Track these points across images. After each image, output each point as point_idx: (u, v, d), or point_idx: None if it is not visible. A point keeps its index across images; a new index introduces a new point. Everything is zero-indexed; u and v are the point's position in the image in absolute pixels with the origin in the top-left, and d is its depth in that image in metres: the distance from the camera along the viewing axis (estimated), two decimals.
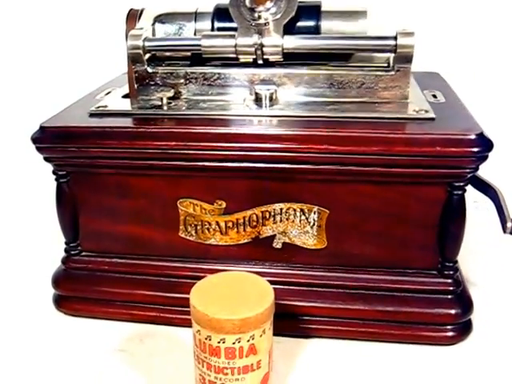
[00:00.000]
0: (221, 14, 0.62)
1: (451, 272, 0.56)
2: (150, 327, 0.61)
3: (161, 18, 0.63)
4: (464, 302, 0.57)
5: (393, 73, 0.57)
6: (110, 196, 0.59)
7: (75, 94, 0.69)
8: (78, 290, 0.62)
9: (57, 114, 0.60)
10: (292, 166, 0.53)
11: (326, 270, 0.58)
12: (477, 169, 0.51)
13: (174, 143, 0.54)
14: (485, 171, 0.57)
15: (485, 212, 0.74)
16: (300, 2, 0.61)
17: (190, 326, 0.50)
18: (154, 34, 0.63)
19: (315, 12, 0.60)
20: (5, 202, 0.87)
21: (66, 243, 0.63)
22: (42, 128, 0.57)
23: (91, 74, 0.85)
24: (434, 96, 0.61)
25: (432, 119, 0.54)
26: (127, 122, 0.57)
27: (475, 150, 0.49)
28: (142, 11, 0.64)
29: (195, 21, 0.63)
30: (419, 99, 0.59)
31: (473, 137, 0.50)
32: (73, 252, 0.63)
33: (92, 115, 0.59)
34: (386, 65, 0.59)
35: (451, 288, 0.56)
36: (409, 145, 0.50)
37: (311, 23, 0.60)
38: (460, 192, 0.53)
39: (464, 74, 0.87)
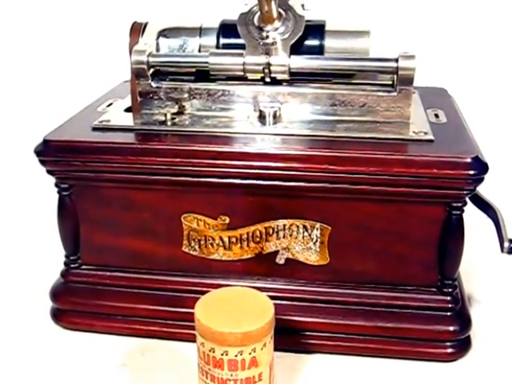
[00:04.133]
0: (226, 30, 0.72)
1: (450, 289, 0.66)
2: (151, 341, 0.71)
3: (165, 33, 0.73)
4: (463, 319, 0.67)
5: (394, 94, 0.68)
6: (113, 209, 0.69)
7: (76, 100, 0.79)
8: (78, 304, 0.72)
9: (59, 127, 0.70)
10: (294, 183, 0.64)
11: (327, 286, 0.68)
12: (474, 190, 0.62)
13: (177, 160, 0.64)
14: (490, 188, 0.67)
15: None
16: (306, 21, 0.71)
17: (192, 341, 0.60)
18: (157, 49, 0.73)
19: (319, 31, 0.71)
20: (4, 214, 0.97)
21: (65, 256, 0.73)
22: (45, 141, 0.67)
23: (92, 81, 0.96)
24: (436, 115, 0.72)
25: (431, 141, 0.64)
26: (131, 138, 0.67)
27: (471, 172, 0.60)
28: (145, 25, 0.75)
29: (200, 36, 0.73)
30: (420, 120, 0.69)
31: (468, 160, 0.60)
32: (73, 265, 0.73)
33: (95, 129, 0.69)
34: (390, 82, 0.70)
35: (450, 305, 0.66)
36: (406, 166, 0.61)
37: (315, 42, 0.71)
38: (458, 212, 0.63)
39: (471, 90, 0.98)
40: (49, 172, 0.68)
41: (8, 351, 0.69)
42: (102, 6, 1.09)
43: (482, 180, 0.61)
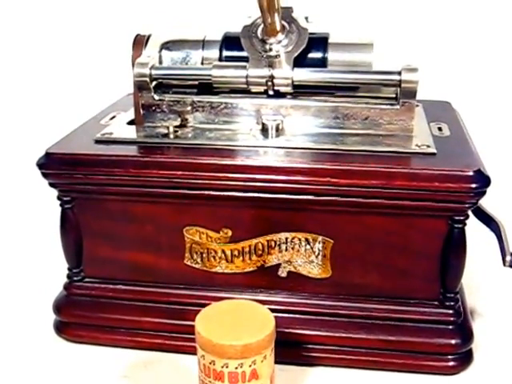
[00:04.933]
0: (229, 42, 0.73)
1: (452, 303, 0.67)
2: (154, 354, 0.71)
3: (168, 46, 0.74)
4: (465, 333, 0.67)
5: (397, 107, 0.68)
6: (116, 222, 0.70)
7: (80, 112, 0.80)
8: (81, 317, 0.73)
9: (62, 140, 0.71)
10: (296, 196, 0.64)
11: (330, 299, 0.69)
12: (476, 203, 0.62)
13: (179, 173, 0.65)
14: (493, 200, 0.67)
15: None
16: (309, 33, 0.72)
17: (195, 353, 0.60)
18: (160, 61, 0.74)
19: (323, 44, 0.71)
20: (7, 226, 0.98)
21: (68, 269, 0.73)
22: (47, 154, 0.67)
23: (96, 93, 0.96)
24: (440, 129, 0.72)
25: (433, 154, 0.65)
26: (133, 151, 0.67)
27: (473, 186, 0.60)
28: (148, 37, 0.75)
29: (203, 49, 0.74)
30: (423, 133, 0.70)
31: (470, 173, 0.61)
32: (75, 278, 0.73)
33: (98, 142, 0.70)
34: (393, 95, 0.70)
35: (452, 318, 0.67)
36: (408, 179, 0.61)
37: (319, 55, 0.71)
38: (460, 225, 0.63)
39: (476, 103, 0.98)
40: (51, 185, 0.69)
41: (11, 363, 0.70)
42: (106, 19, 1.10)
43: (484, 193, 0.61)
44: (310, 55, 0.71)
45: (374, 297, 0.68)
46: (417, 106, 0.77)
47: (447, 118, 0.77)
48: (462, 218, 0.63)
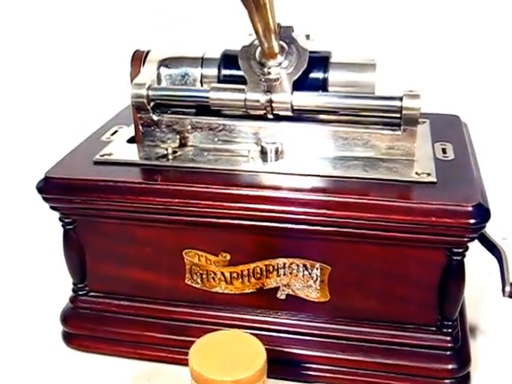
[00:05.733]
0: (228, 61, 0.70)
1: (450, 330, 0.65)
2: (158, 366, 0.71)
3: (166, 63, 0.71)
4: (462, 358, 0.65)
5: (399, 132, 0.65)
6: (116, 243, 0.69)
7: (84, 121, 0.78)
8: (86, 329, 0.72)
9: (61, 160, 0.69)
10: (293, 226, 0.62)
11: (328, 322, 0.67)
12: (475, 237, 0.60)
13: (176, 200, 0.63)
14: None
15: None
16: (310, 52, 0.68)
17: None
18: (159, 79, 0.71)
19: (323, 64, 0.68)
20: (15, 237, 0.97)
21: (73, 283, 0.73)
22: (46, 178, 0.66)
23: (99, 102, 0.94)
24: (444, 151, 0.69)
25: (433, 183, 0.62)
26: (131, 175, 0.65)
27: (471, 221, 0.58)
28: (147, 53, 0.73)
29: (201, 67, 0.71)
30: (426, 157, 0.66)
31: (469, 208, 0.58)
32: (80, 292, 0.73)
33: (97, 163, 0.68)
34: (396, 121, 0.67)
35: (449, 345, 0.65)
36: (405, 213, 0.59)
37: (319, 75, 0.68)
38: (459, 257, 0.61)
39: (483, 115, 0.95)
40: (52, 207, 0.67)
41: (21, 369, 0.71)
42: (110, 28, 1.07)
43: (483, 228, 0.58)
44: (311, 75, 0.68)
45: (372, 321, 0.66)
46: (423, 122, 0.74)
47: (453, 137, 0.73)
48: (460, 250, 0.60)
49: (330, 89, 0.68)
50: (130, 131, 0.75)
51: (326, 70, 0.68)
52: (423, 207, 0.58)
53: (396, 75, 0.96)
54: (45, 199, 0.66)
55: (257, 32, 0.61)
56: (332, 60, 0.69)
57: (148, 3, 1.02)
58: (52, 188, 0.66)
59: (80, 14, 1.08)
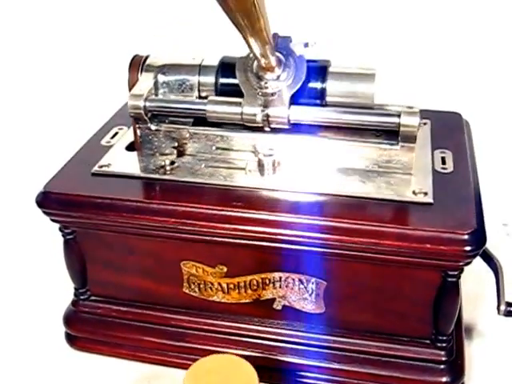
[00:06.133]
0: (225, 69, 0.68)
1: (444, 344, 0.65)
2: (157, 368, 0.72)
3: (164, 70, 0.69)
4: (455, 371, 0.65)
5: (397, 147, 0.63)
6: (116, 252, 0.68)
7: (88, 112, 0.77)
8: (88, 332, 0.73)
9: (60, 172, 0.68)
10: (288, 246, 0.62)
11: (323, 333, 0.67)
12: (471, 262, 0.59)
13: (172, 220, 0.62)
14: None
15: None
16: (309, 61, 0.66)
17: None
18: (156, 87, 0.69)
19: (322, 73, 0.65)
20: (21, 238, 0.96)
21: (75, 288, 0.73)
22: (44, 193, 0.65)
23: (99, 97, 0.93)
24: (443, 161, 0.67)
25: (430, 204, 0.61)
26: (128, 192, 0.64)
27: (467, 248, 0.56)
28: (145, 58, 0.71)
29: (199, 74, 0.69)
30: (424, 169, 0.65)
31: (465, 237, 0.56)
32: (82, 297, 0.73)
33: (94, 174, 0.67)
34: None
35: (443, 358, 0.65)
36: (399, 240, 0.57)
37: (317, 85, 0.66)
38: (454, 279, 0.60)
39: (485, 109, 0.92)
40: (51, 220, 0.67)
41: (25, 368, 0.72)
42: (110, 28, 1.04)
43: (478, 254, 0.57)
44: (309, 85, 0.66)
45: (367, 332, 0.66)
46: (424, 124, 0.72)
47: (454, 142, 0.71)
48: (456, 272, 0.59)
49: (328, 99, 0.66)
50: (129, 134, 0.73)
51: (324, 80, 0.65)
52: (417, 234, 0.57)
53: (398, 72, 0.93)
54: (44, 212, 0.66)
55: (253, 53, 0.58)
56: (330, 69, 0.66)
57: (148, 3, 0.99)
58: (50, 203, 0.65)
59: (80, 13, 1.05)
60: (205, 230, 0.62)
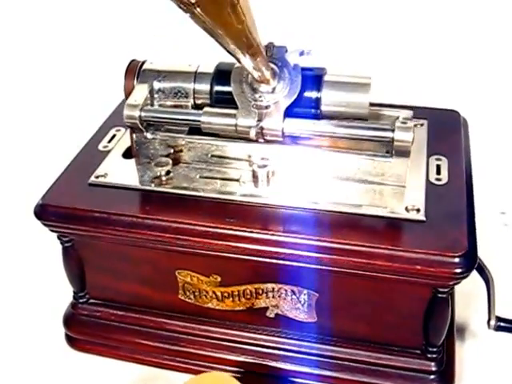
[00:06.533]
0: (221, 77, 0.67)
1: (434, 355, 0.65)
2: (154, 370, 0.73)
3: (159, 77, 0.68)
4: (445, 381, 0.66)
5: (390, 160, 0.63)
6: (113, 260, 0.69)
7: (82, 113, 0.76)
8: (87, 334, 0.74)
9: (57, 182, 0.68)
10: (280, 262, 0.62)
11: (316, 341, 0.68)
12: (460, 282, 0.59)
13: (167, 235, 0.62)
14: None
15: None
16: (304, 69, 0.64)
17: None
18: (152, 94, 0.68)
19: (317, 83, 0.64)
20: (23, 239, 0.95)
21: (73, 292, 0.74)
22: (42, 205, 0.65)
23: (100, 93, 0.92)
24: (438, 169, 0.66)
25: (422, 221, 0.60)
26: (123, 205, 0.64)
27: (457, 271, 0.56)
28: (142, 64, 0.70)
29: (194, 82, 0.68)
30: (418, 181, 0.64)
31: (455, 260, 0.56)
32: (81, 300, 0.74)
33: (91, 185, 0.67)
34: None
35: (433, 369, 0.65)
36: (389, 261, 0.57)
37: (312, 94, 0.65)
38: (445, 295, 0.60)
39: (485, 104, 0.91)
40: (50, 230, 0.67)
41: (25, 367, 0.74)
42: (110, 28, 1.02)
43: (469, 275, 0.57)
44: (304, 94, 0.65)
45: (358, 341, 0.67)
46: (421, 125, 0.72)
47: (450, 145, 0.70)
48: (446, 289, 0.59)
49: (323, 108, 0.65)
50: (126, 137, 0.73)
51: (319, 90, 0.64)
52: (407, 255, 0.57)
53: (397, 68, 0.92)
54: (42, 223, 0.66)
55: (248, 71, 0.57)
56: (326, 78, 0.65)
57: (148, 3, 0.97)
58: (48, 215, 0.65)
59: (80, 12, 1.03)
60: (198, 245, 0.62)
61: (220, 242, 0.61)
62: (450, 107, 0.79)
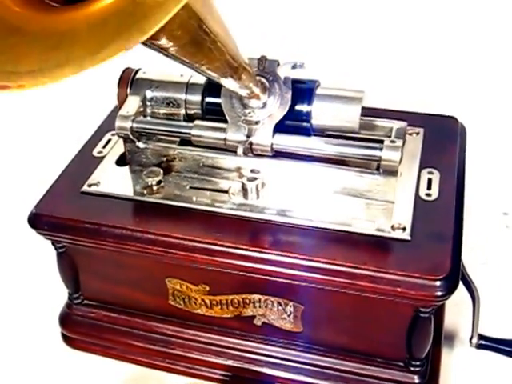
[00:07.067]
0: (212, 88, 0.66)
1: (417, 368, 0.65)
2: (146, 370, 0.74)
3: (151, 87, 0.68)
4: None
5: (378, 177, 0.62)
6: (106, 265, 0.70)
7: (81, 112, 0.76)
8: (81, 334, 0.75)
9: (51, 189, 0.68)
10: (266, 277, 0.62)
11: (301, 350, 0.68)
12: (443, 302, 0.59)
13: (155, 248, 0.63)
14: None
15: None
16: (296, 82, 0.64)
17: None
18: (144, 103, 0.68)
19: (308, 96, 0.64)
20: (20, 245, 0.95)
21: (68, 293, 0.75)
22: (35, 214, 0.66)
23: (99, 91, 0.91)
24: (429, 184, 0.65)
25: (407, 241, 0.60)
26: (114, 216, 0.65)
27: (438, 294, 0.56)
28: (136, 72, 0.69)
29: (186, 92, 0.67)
30: (407, 197, 0.63)
31: (437, 283, 0.56)
32: (75, 301, 0.75)
33: (84, 193, 0.68)
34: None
35: (417, 381, 0.66)
36: (371, 282, 0.57)
37: (303, 108, 0.64)
38: (427, 315, 0.60)
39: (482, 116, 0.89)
40: (44, 238, 0.68)
41: (22, 364, 0.75)
42: None
43: (450, 297, 0.57)
44: (295, 107, 0.64)
45: (343, 351, 0.67)
46: (417, 134, 0.71)
47: (444, 157, 0.69)
48: (428, 310, 0.59)
49: (313, 122, 0.65)
50: (121, 143, 0.72)
51: (310, 103, 0.64)
52: (389, 277, 0.57)
53: (396, 74, 0.90)
54: (35, 231, 0.66)
55: (235, 92, 0.57)
56: (318, 91, 0.64)
57: None
58: (41, 224, 0.66)
59: None
60: (185, 259, 0.62)
61: (207, 257, 0.61)
62: (451, 104, 0.78)
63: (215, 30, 0.45)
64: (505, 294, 0.76)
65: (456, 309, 0.75)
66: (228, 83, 0.55)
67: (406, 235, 0.60)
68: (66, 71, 0.31)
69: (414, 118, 0.74)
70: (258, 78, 0.62)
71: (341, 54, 0.96)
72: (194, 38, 0.43)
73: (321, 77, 0.68)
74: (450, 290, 0.56)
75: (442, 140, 0.72)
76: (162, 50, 0.42)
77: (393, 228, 0.61)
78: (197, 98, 0.67)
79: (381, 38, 0.99)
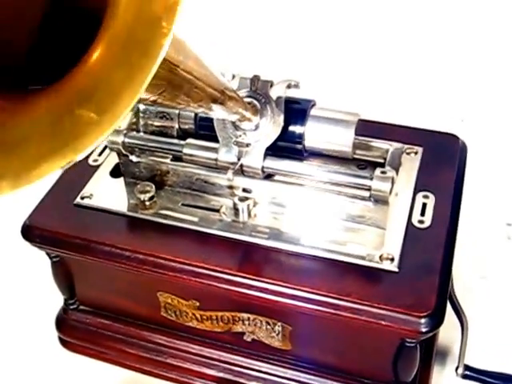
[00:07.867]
0: None
1: None
2: (139, 375, 0.75)
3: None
4: None
5: (370, 204, 0.61)
6: (99, 276, 0.70)
7: None
8: (77, 338, 0.76)
9: (44, 201, 0.68)
10: (254, 302, 0.61)
11: (289, 367, 0.68)
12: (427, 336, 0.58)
13: (145, 267, 0.62)
14: None
15: None
16: (291, 102, 0.62)
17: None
18: (137, 116, 0.67)
19: (301, 117, 0.62)
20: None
21: (64, 299, 0.75)
22: (28, 226, 0.66)
23: None
24: (423, 210, 0.63)
25: (394, 272, 0.59)
26: (105, 232, 0.64)
27: (422, 330, 0.55)
28: None
29: None
30: (398, 225, 0.62)
31: (421, 320, 0.55)
32: (71, 307, 0.75)
33: (76, 205, 0.67)
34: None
35: None
36: (355, 314, 0.56)
37: (296, 129, 0.62)
38: (413, 344, 0.59)
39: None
40: (37, 248, 0.68)
41: (19, 365, 0.77)
42: None
43: (435, 331, 0.56)
44: (289, 128, 0.63)
45: (331, 370, 0.67)
46: (415, 153, 0.69)
47: (441, 179, 0.67)
48: (413, 340, 0.58)
49: (306, 143, 0.63)
50: (114, 156, 0.72)
51: (303, 124, 0.62)
52: (372, 311, 0.56)
53: (397, 81, 0.88)
54: (28, 243, 0.66)
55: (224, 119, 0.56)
56: (312, 112, 0.62)
57: None
58: (33, 236, 0.66)
59: None
60: (174, 279, 0.61)
61: (194, 279, 0.61)
62: (454, 115, 0.75)
63: (192, 71, 0.43)
64: (502, 312, 0.74)
65: (454, 328, 0.74)
66: (216, 114, 0.54)
67: (393, 267, 0.59)
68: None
69: (413, 135, 0.71)
70: (249, 99, 0.60)
71: (339, 70, 0.93)
72: (172, 84, 0.42)
73: (318, 92, 0.66)
74: (434, 326, 0.55)
75: (441, 160, 0.70)
76: (142, 101, 0.40)
77: (381, 258, 0.59)
78: (190, 113, 0.66)
79: (380, 51, 0.96)
